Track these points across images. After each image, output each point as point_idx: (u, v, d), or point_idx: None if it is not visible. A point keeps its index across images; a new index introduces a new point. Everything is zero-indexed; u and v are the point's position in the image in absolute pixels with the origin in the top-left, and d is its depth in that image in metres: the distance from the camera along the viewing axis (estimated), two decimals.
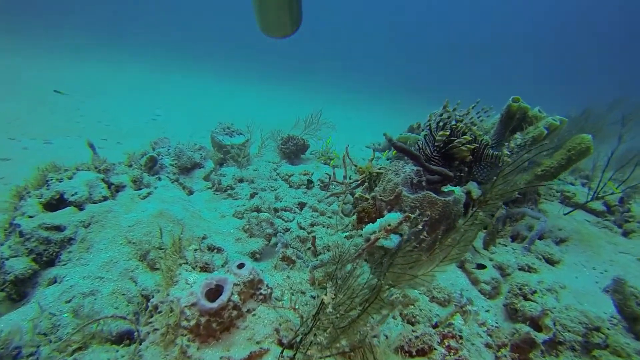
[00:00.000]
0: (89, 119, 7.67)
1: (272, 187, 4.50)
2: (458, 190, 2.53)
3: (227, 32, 32.77)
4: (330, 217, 3.69)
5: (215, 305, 1.54)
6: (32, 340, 1.75)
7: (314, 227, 3.45)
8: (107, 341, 1.82)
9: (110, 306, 2.00)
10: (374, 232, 2.33)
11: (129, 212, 2.80)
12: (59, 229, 2.45)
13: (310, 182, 4.71)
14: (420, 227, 1.66)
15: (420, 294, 2.04)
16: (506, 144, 2.81)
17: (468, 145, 2.58)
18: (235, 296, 1.64)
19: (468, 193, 2.87)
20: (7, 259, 2.26)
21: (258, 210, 3.67)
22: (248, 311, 1.71)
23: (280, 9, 1.43)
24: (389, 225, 1.80)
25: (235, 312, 1.62)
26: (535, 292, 2.01)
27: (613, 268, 2.41)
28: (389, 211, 2.59)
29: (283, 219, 3.68)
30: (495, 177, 2.16)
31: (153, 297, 1.72)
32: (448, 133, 2.61)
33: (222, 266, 2.40)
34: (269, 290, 1.84)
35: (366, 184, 3.39)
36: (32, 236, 2.35)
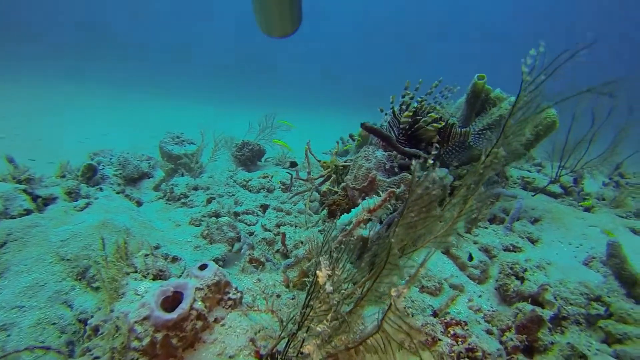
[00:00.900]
0: (23, 138, 6.67)
1: (230, 192, 4.17)
2: (444, 172, 2.43)
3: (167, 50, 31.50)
4: (297, 217, 3.46)
5: (174, 315, 1.24)
6: None
7: (281, 227, 3.19)
8: None
9: (34, 341, 1.59)
10: (351, 222, 2.14)
11: (62, 225, 2.35)
12: None
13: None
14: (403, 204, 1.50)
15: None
16: (472, 124, 2.80)
17: (435, 125, 2.50)
18: (199, 303, 1.35)
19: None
20: None
21: (217, 215, 3.34)
22: (215, 320, 1.42)
23: (281, 8, 1.46)
24: (373, 205, 1.62)
25: (200, 323, 1.33)
26: (526, 270, 1.93)
27: (587, 242, 2.44)
28: (364, 199, 2.43)
29: (246, 223, 3.38)
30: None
31: (92, 317, 1.37)
32: (412, 113, 2.52)
33: (180, 277, 2.07)
34: (238, 294, 1.56)
35: (333, 176, 3.21)
36: None
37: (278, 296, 1.94)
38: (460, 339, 1.26)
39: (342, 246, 1.00)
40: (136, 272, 1.53)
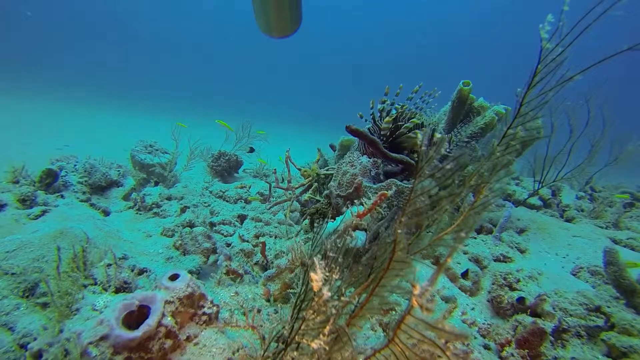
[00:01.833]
0: None
1: (205, 202, 3.95)
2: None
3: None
4: (276, 227, 3.29)
5: (137, 334, 1.06)
6: None
7: (260, 238, 3.01)
8: None
9: None
10: (337, 231, 2.01)
11: (9, 234, 2.08)
12: None
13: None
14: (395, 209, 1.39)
15: (399, 297, 1.75)
16: (455, 131, 2.77)
17: (417, 131, 2.45)
18: (169, 318, 1.16)
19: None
20: None
21: (191, 225, 3.12)
22: (188, 339, 1.24)
23: (281, 9, 1.47)
24: (363, 207, 1.50)
25: (169, 342, 1.15)
26: (519, 280, 1.85)
27: (572, 252, 2.43)
28: (348, 207, 2.31)
29: (222, 234, 3.18)
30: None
31: (35, 339, 1.15)
32: (392, 119, 2.46)
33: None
34: (214, 308, 1.39)
35: (315, 185, 3.09)
36: None
37: (259, 311, 1.76)
38: (461, 357, 1.14)
39: (339, 245, 0.86)
40: (95, 284, 1.32)
